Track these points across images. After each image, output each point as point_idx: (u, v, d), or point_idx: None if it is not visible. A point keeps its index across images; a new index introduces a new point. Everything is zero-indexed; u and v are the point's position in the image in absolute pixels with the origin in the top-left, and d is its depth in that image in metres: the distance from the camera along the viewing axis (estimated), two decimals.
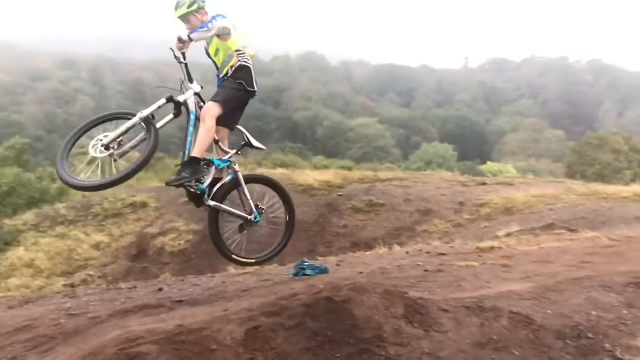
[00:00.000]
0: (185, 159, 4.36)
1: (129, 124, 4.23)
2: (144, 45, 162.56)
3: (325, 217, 15.51)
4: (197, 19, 4.44)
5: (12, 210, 18.00)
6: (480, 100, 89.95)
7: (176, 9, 4.48)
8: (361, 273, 6.02)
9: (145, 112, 4.27)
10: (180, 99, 4.41)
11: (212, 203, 4.53)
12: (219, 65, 4.64)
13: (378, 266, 6.42)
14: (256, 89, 4.64)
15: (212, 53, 4.69)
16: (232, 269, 8.29)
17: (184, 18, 4.50)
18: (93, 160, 4.19)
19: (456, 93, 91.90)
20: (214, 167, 4.52)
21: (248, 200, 4.70)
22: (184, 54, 4.34)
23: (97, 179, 4.18)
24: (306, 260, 6.42)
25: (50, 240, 14.96)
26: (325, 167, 27.69)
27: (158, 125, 4.34)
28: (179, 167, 4.39)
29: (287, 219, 4.98)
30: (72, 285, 12.36)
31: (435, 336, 3.85)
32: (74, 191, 22.56)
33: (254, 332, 3.74)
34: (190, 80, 4.49)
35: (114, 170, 4.19)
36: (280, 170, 19.23)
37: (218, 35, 4.49)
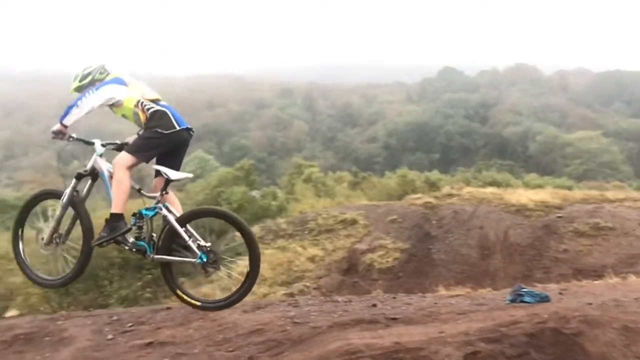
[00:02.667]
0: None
1: (58, 215, 4.29)
2: (351, 70, 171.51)
3: (541, 240, 14.36)
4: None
5: None
6: None
7: (73, 81, 4.41)
8: (590, 304, 5.40)
9: (65, 199, 4.27)
10: (88, 167, 4.33)
11: (155, 257, 4.28)
12: (137, 125, 4.37)
13: (610, 297, 5.72)
14: (179, 128, 4.22)
15: (122, 118, 4.45)
16: (442, 290, 8.14)
17: (80, 91, 4.37)
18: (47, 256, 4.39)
19: None
20: (144, 219, 4.27)
21: (186, 242, 4.24)
22: (70, 137, 4.28)
23: (57, 273, 4.40)
24: (523, 286, 6.01)
25: (272, 251, 16.47)
26: (539, 186, 25.71)
27: (83, 193, 4.32)
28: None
29: (248, 254, 4.39)
30: (291, 295, 13.39)
31: None
32: (291, 207, 24.69)
33: (472, 357, 3.60)
34: (91, 144, 4.37)
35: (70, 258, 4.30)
36: (490, 189, 18.38)
37: (112, 105, 4.29)
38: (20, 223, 4.40)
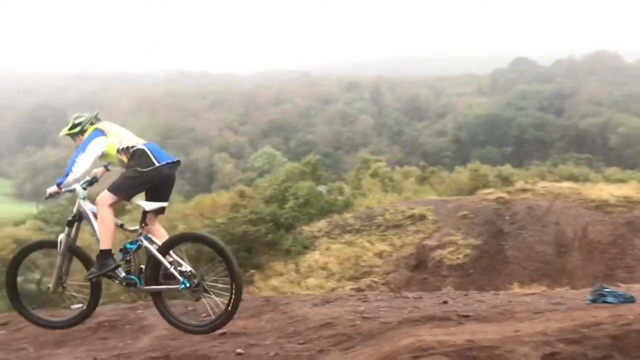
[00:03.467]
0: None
1: (59, 263, 4.47)
2: (419, 62, 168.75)
3: (624, 237, 13.59)
4: (80, 140, 4.46)
5: (307, 218, 20.42)
6: None
7: (64, 127, 4.60)
8: None
9: (63, 247, 4.44)
10: (74, 211, 4.49)
11: (145, 288, 4.36)
12: (123, 168, 4.50)
13: None
14: (158, 164, 4.29)
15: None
16: (516, 288, 7.89)
17: (71, 137, 4.56)
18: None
19: None
20: (130, 252, 4.37)
21: (169, 270, 4.28)
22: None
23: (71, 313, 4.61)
24: (605, 285, 5.70)
25: (339, 246, 16.54)
26: (621, 180, 24.28)
27: (72, 235, 4.49)
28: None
29: (230, 279, 4.31)
30: (359, 290, 13.39)
31: None
32: (358, 202, 24.65)
33: (551, 359, 3.45)
34: (73, 191, 4.51)
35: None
36: (567, 184, 17.58)
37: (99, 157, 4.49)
38: (13, 273, 4.60)
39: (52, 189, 4.34)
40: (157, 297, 4.45)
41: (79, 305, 4.69)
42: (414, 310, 5.34)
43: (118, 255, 4.31)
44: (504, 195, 17.32)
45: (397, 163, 56.68)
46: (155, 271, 4.27)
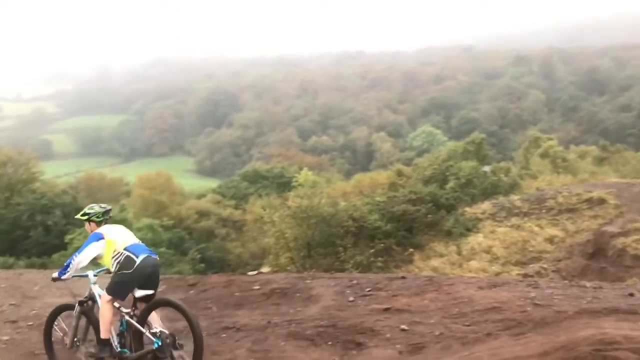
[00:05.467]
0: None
1: (74, 324, 5.15)
2: (598, 29, 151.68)
3: None
4: (88, 226, 5.19)
5: (470, 198, 19.69)
6: None
7: (79, 212, 5.33)
8: None
9: (76, 312, 5.11)
10: (86, 294, 5.15)
11: (134, 355, 4.86)
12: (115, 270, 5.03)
13: None
14: (138, 261, 4.82)
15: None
16: None
17: (83, 221, 5.24)
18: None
19: None
20: (123, 330, 4.96)
21: (145, 333, 4.79)
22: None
23: None
24: None
25: (505, 229, 15.68)
26: None
27: (89, 305, 5.12)
28: None
29: (193, 338, 4.64)
30: (526, 275, 12.66)
31: None
32: (526, 184, 23.17)
33: None
34: (85, 276, 5.15)
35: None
36: None
37: (95, 258, 5.10)
38: (48, 332, 5.39)
39: (55, 276, 5.16)
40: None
41: (254, 272, 5.14)
42: (594, 301, 4.92)
43: (117, 331, 5.01)
44: None
45: (571, 142, 52.17)
46: (139, 339, 4.89)
